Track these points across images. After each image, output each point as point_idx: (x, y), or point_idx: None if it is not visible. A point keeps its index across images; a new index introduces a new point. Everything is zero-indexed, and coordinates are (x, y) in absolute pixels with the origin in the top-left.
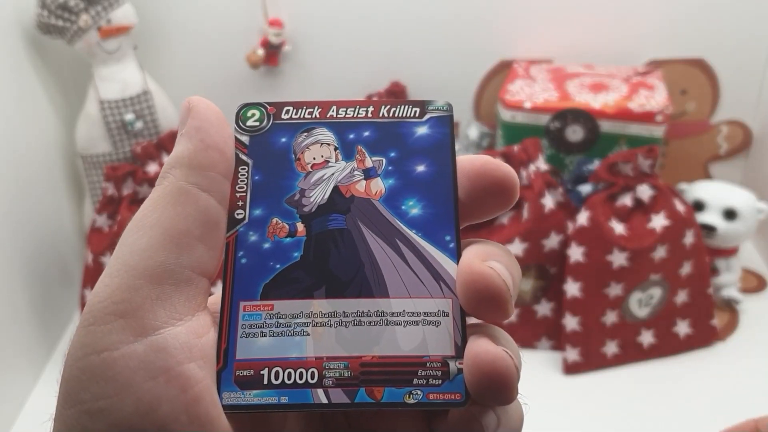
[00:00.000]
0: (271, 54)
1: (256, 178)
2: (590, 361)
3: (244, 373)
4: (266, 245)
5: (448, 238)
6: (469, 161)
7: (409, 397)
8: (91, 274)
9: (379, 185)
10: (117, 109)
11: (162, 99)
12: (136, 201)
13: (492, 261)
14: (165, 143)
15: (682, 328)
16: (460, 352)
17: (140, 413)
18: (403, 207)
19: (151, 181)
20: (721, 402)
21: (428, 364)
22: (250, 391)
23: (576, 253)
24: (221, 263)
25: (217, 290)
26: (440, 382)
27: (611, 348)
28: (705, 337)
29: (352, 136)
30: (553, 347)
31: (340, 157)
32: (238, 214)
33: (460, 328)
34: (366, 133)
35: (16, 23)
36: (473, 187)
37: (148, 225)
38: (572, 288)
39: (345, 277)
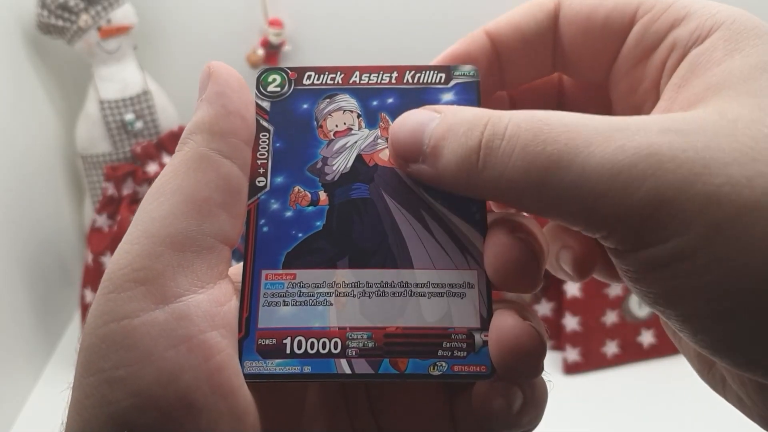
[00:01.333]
0: (271, 54)
1: (278, 145)
2: (590, 361)
3: (267, 342)
4: (288, 214)
5: (474, 209)
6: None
7: (433, 368)
8: (91, 274)
9: None
10: (117, 109)
11: (162, 99)
12: (136, 201)
13: (520, 232)
14: (165, 143)
15: None
16: (485, 324)
17: (161, 382)
18: None
19: (151, 181)
20: (721, 402)
21: (453, 336)
22: (272, 360)
23: None
24: (242, 231)
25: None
26: (465, 354)
27: (611, 348)
28: None
29: (375, 102)
30: (553, 347)
31: (363, 124)
32: (259, 181)
33: (485, 300)
34: (390, 100)
35: (16, 23)
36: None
37: (168, 191)
38: (572, 288)
39: (368, 247)
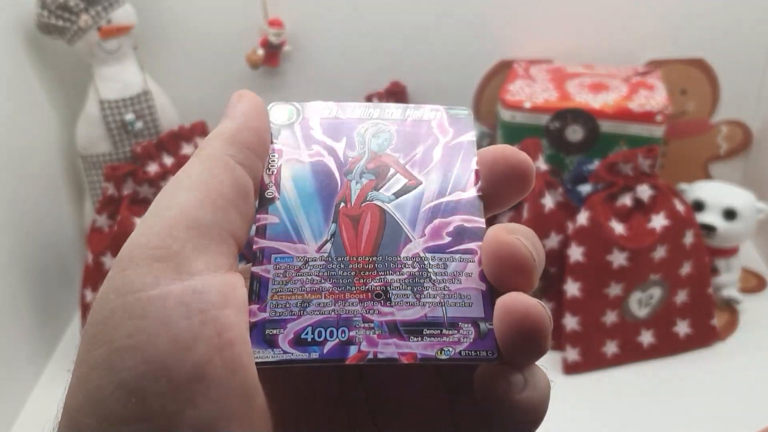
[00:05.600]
0: (271, 54)
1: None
2: (590, 361)
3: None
4: None
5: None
6: (486, 151)
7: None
8: (91, 274)
9: None
10: (117, 109)
11: (162, 99)
12: (136, 201)
13: (517, 234)
14: (165, 143)
15: (682, 328)
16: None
17: (175, 351)
18: None
19: (152, 181)
20: (721, 402)
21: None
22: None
23: (576, 253)
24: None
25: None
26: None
27: (611, 348)
28: (705, 337)
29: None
30: (553, 347)
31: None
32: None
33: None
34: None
35: (16, 23)
36: (491, 173)
37: (184, 186)
38: (572, 288)
39: None
